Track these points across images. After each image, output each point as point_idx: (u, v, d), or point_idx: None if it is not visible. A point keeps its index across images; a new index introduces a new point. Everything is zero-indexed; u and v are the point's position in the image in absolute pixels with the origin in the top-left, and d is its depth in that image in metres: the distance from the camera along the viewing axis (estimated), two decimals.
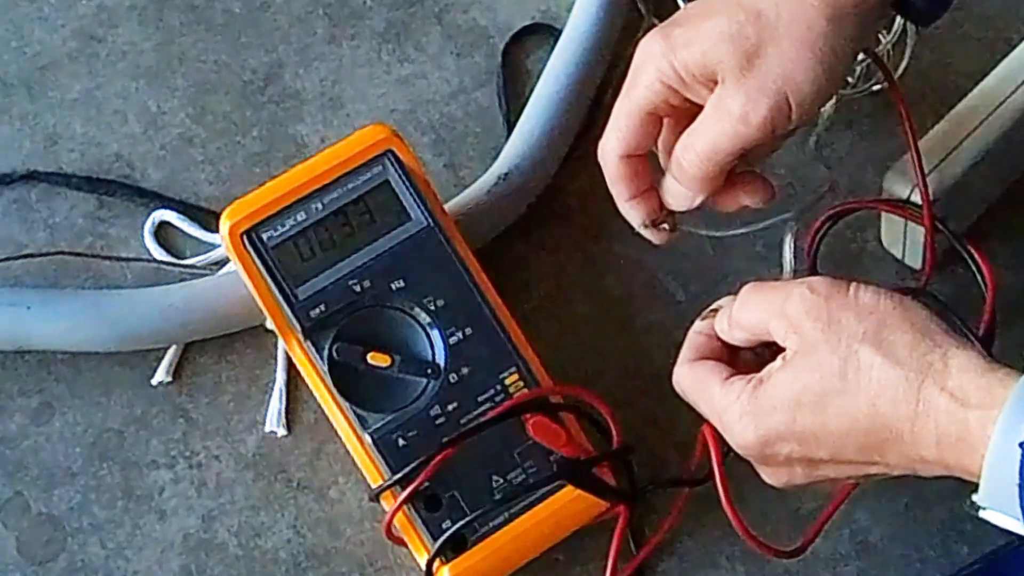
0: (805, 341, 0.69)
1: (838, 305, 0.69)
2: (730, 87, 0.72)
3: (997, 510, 0.65)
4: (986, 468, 0.64)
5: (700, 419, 0.74)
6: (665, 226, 0.80)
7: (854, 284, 0.70)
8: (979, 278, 0.81)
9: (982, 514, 0.65)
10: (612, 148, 0.77)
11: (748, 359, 0.75)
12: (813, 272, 0.83)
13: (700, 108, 0.75)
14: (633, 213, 0.79)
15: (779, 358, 0.70)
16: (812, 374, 0.68)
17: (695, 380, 0.74)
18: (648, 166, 0.78)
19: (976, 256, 0.81)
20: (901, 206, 0.83)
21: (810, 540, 0.78)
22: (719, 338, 0.75)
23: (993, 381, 0.65)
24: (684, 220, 0.80)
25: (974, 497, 0.65)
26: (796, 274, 0.83)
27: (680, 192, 0.77)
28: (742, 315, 0.73)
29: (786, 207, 0.83)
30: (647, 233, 0.80)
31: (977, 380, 0.65)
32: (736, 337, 0.74)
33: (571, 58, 0.91)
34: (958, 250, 0.88)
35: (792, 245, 0.83)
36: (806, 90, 0.72)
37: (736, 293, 0.74)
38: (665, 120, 0.77)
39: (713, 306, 0.76)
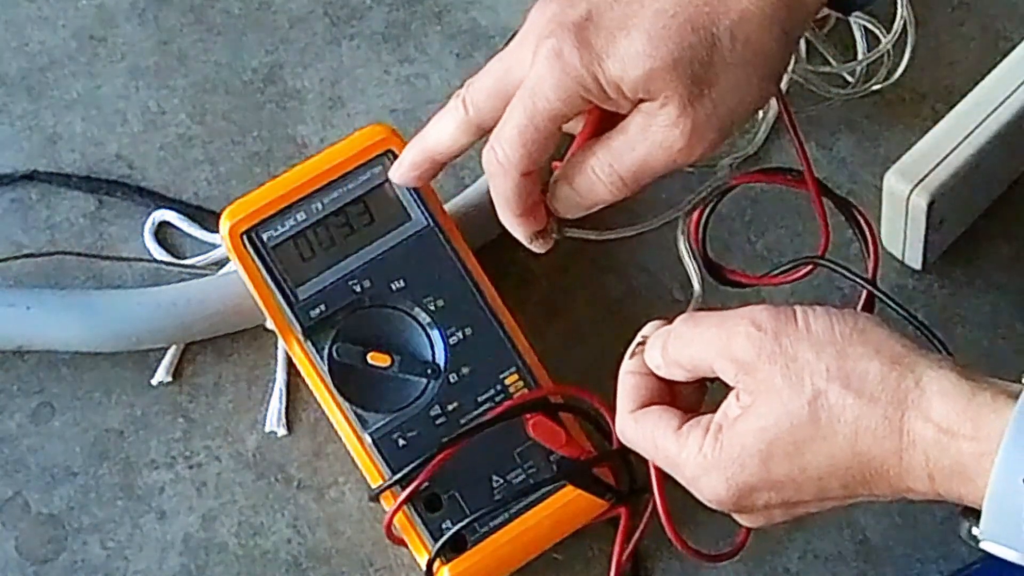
0: (763, 385, 0.65)
1: (791, 340, 0.65)
2: (673, 114, 0.67)
3: (1001, 544, 0.62)
4: (988, 504, 0.61)
5: None
6: (554, 235, 0.75)
7: (800, 311, 0.65)
8: (862, 245, 0.75)
9: (983, 545, 0.63)
10: (513, 164, 0.70)
11: (687, 389, 0.70)
12: (707, 262, 0.75)
13: (609, 113, 0.70)
14: (525, 227, 0.74)
15: (732, 399, 0.66)
16: (781, 422, 0.64)
17: (644, 434, 0.69)
18: (539, 175, 0.73)
19: (862, 221, 0.75)
20: (783, 175, 0.76)
21: (741, 543, 0.75)
22: (654, 374, 0.70)
23: (980, 407, 0.62)
24: (569, 225, 0.76)
25: (974, 531, 0.63)
26: (703, 277, 0.76)
27: (577, 204, 0.72)
28: (681, 354, 0.68)
29: (676, 201, 0.76)
30: (534, 245, 0.75)
31: (963, 407, 0.62)
32: (674, 375, 0.69)
33: None
34: (952, 249, 0.88)
35: (687, 243, 0.75)
36: (751, 112, 0.70)
37: (663, 318, 0.71)
38: None
39: (638, 338, 0.71)
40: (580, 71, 0.67)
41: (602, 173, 0.70)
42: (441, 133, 0.75)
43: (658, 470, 0.70)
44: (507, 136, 0.70)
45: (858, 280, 0.73)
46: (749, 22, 0.67)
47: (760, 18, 0.67)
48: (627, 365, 0.71)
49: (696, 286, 0.75)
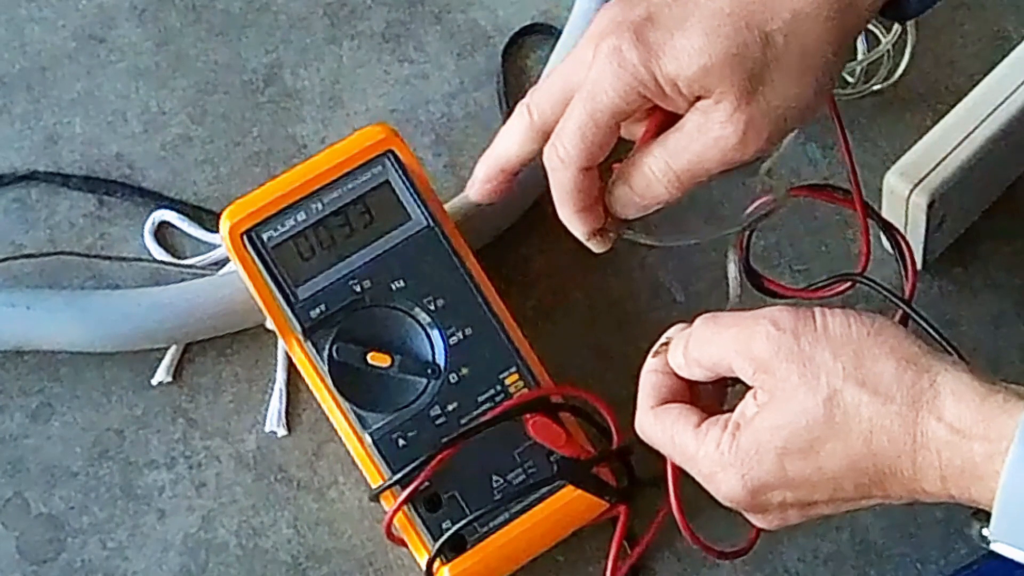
0: (781, 384, 0.65)
1: (809, 341, 0.65)
2: (727, 110, 0.69)
3: (1011, 545, 0.63)
4: (999, 504, 0.62)
5: None
6: (611, 234, 0.76)
7: (819, 313, 0.66)
8: (901, 266, 0.76)
9: (993, 546, 0.64)
10: (572, 159, 0.72)
11: (708, 390, 0.71)
12: (748, 269, 0.76)
13: (666, 113, 0.71)
14: (583, 224, 0.75)
15: (750, 398, 0.67)
16: (796, 420, 0.65)
17: (663, 429, 0.70)
18: (598, 173, 0.74)
19: (902, 243, 0.76)
20: (829, 191, 0.78)
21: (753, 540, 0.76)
22: (676, 374, 0.71)
23: (993, 408, 0.62)
24: (628, 226, 0.76)
25: (984, 532, 0.63)
26: (742, 289, 0.77)
27: (634, 203, 0.73)
28: (701, 353, 0.69)
29: (735, 216, 0.79)
30: (592, 243, 0.76)
31: (976, 407, 0.62)
32: (694, 374, 0.70)
33: None
34: (952, 249, 0.88)
35: (736, 259, 0.77)
36: (804, 113, 0.70)
37: (688, 322, 0.72)
38: None
39: (663, 339, 0.73)
40: (638, 68, 0.69)
41: (658, 171, 0.71)
42: (509, 142, 0.76)
43: (674, 467, 0.71)
44: (568, 132, 0.71)
45: (896, 301, 0.74)
46: (802, 22, 0.68)
47: (813, 19, 0.68)
48: (649, 364, 0.72)
49: (734, 293, 0.76)
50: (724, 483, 0.67)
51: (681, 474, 0.71)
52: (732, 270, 0.76)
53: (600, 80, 0.70)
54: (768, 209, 0.76)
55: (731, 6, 0.68)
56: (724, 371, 0.69)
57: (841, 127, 0.76)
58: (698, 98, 0.69)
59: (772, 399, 0.66)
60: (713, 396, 0.71)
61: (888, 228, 0.77)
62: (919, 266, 0.86)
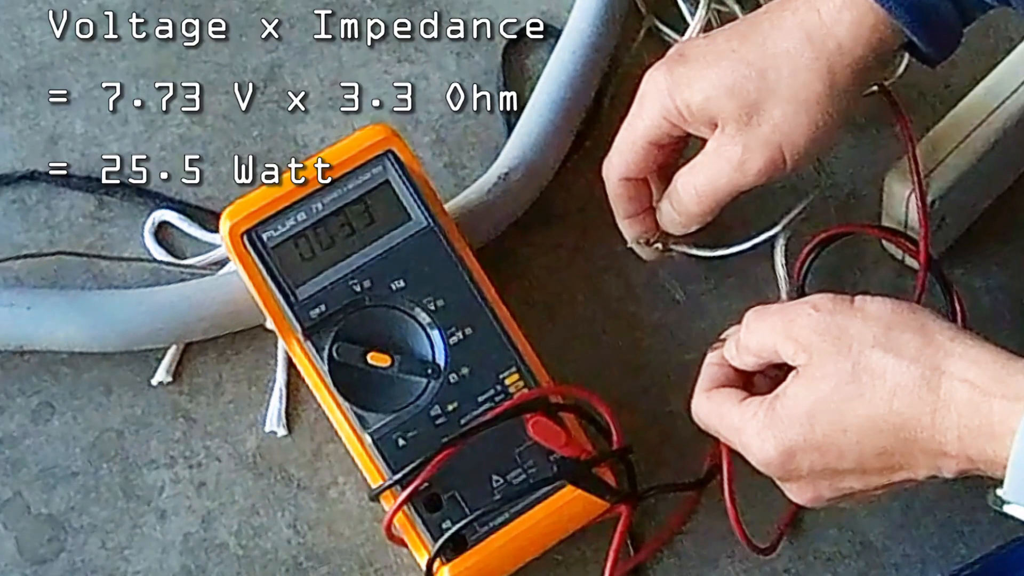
0: (815, 354, 0.70)
1: (844, 317, 0.70)
2: (729, 136, 0.77)
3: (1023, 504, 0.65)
4: (1012, 461, 0.64)
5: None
6: (658, 245, 0.85)
7: (859, 297, 0.71)
8: (950, 314, 0.82)
9: (1007, 508, 0.65)
10: (614, 169, 0.82)
11: (762, 385, 0.75)
12: (802, 294, 0.84)
13: (702, 140, 0.79)
14: (629, 230, 0.85)
15: (791, 375, 0.71)
16: (825, 383, 0.69)
17: (712, 407, 0.75)
18: (647, 188, 0.83)
19: (956, 298, 0.83)
20: (893, 234, 0.84)
21: (780, 536, 0.82)
22: (731, 366, 0.76)
23: (1012, 372, 0.65)
24: (675, 241, 0.85)
25: (998, 492, 0.65)
26: (791, 292, 0.85)
27: (676, 219, 0.82)
28: (749, 340, 0.74)
29: (773, 219, 0.85)
30: (638, 249, 0.86)
31: (996, 371, 0.65)
32: (746, 362, 0.75)
33: (571, 58, 0.91)
34: (952, 249, 0.88)
35: (783, 262, 0.85)
36: (801, 144, 0.76)
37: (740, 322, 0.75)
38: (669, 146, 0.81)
39: (722, 335, 0.77)
40: (664, 95, 0.78)
41: (683, 190, 0.80)
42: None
43: (729, 462, 0.77)
44: (614, 146, 0.82)
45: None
46: (790, 62, 0.75)
47: (798, 60, 0.75)
48: (708, 358, 0.78)
49: (784, 294, 0.85)
50: (758, 446, 0.71)
51: (735, 467, 0.76)
52: (781, 281, 0.85)
53: (638, 106, 0.80)
54: (805, 206, 0.84)
55: (739, 46, 0.77)
56: (770, 355, 0.73)
57: (918, 174, 0.81)
58: (716, 125, 0.77)
59: (806, 368, 0.70)
60: (766, 390, 0.74)
61: (942, 279, 0.83)
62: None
